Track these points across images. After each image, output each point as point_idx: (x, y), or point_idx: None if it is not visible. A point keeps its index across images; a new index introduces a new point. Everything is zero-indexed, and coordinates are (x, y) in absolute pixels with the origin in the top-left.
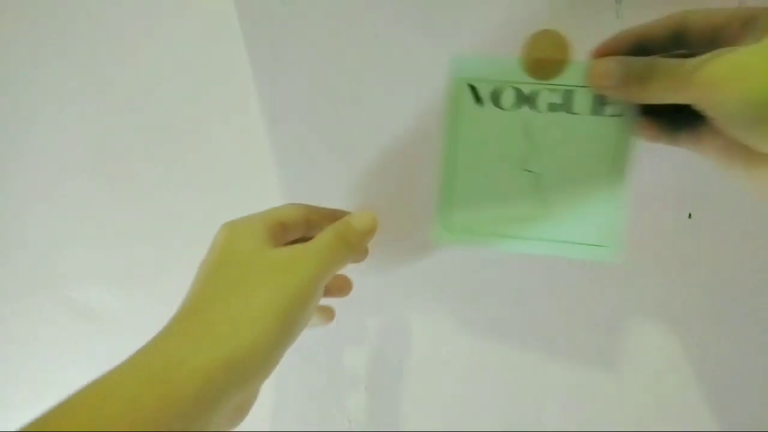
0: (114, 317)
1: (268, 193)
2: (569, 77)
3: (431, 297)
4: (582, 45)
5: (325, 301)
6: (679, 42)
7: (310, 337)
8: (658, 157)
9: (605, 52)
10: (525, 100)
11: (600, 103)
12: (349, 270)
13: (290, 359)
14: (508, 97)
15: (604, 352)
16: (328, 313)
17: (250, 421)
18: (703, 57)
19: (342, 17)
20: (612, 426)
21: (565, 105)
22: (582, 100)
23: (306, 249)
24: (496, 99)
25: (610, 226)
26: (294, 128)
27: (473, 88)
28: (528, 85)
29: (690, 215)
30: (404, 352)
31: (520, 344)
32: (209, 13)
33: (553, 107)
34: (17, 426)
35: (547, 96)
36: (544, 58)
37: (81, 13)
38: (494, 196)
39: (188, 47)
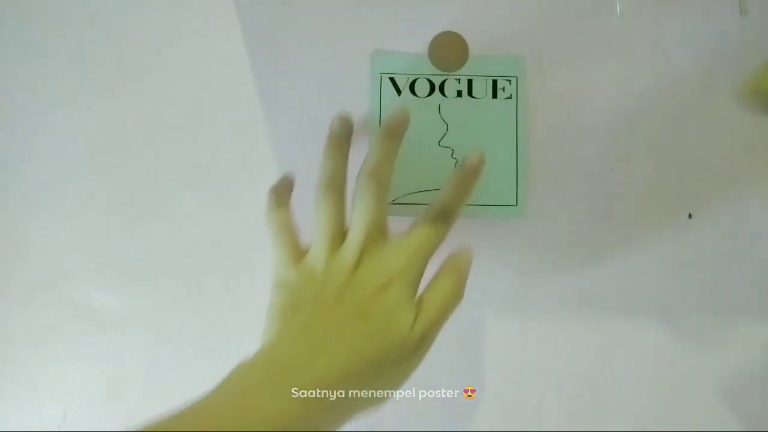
0: (114, 317)
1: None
2: (469, 69)
3: None
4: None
5: None
6: None
7: None
8: (658, 158)
9: None
10: (436, 88)
11: (495, 88)
12: None
13: None
14: (422, 87)
15: (603, 351)
16: None
17: None
18: None
19: (342, 17)
20: (612, 426)
21: (468, 91)
22: (481, 87)
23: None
24: (412, 88)
25: (513, 188)
26: (294, 128)
27: (393, 80)
28: (437, 76)
29: (690, 215)
30: None
31: (520, 345)
32: (209, 13)
33: (458, 93)
34: (17, 426)
35: (453, 84)
36: (449, 55)
37: (81, 14)
38: (418, 170)
39: (188, 47)
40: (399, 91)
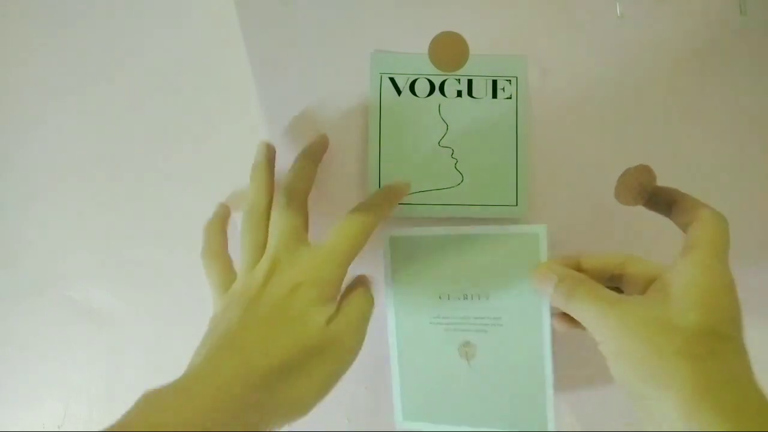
0: (114, 317)
1: None
2: (469, 69)
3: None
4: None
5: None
6: (614, 280)
7: None
8: (658, 157)
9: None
10: (436, 88)
11: (495, 88)
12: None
13: None
14: (422, 87)
15: None
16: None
17: None
18: (623, 299)
19: (342, 17)
20: (612, 426)
21: (468, 91)
22: (481, 87)
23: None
24: (412, 88)
25: (514, 187)
26: (293, 128)
27: (393, 80)
28: (437, 77)
29: None
30: None
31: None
32: (209, 14)
33: (458, 93)
34: (17, 426)
35: (453, 84)
36: (449, 54)
37: (81, 14)
38: (418, 171)
39: (188, 48)
40: (399, 91)
